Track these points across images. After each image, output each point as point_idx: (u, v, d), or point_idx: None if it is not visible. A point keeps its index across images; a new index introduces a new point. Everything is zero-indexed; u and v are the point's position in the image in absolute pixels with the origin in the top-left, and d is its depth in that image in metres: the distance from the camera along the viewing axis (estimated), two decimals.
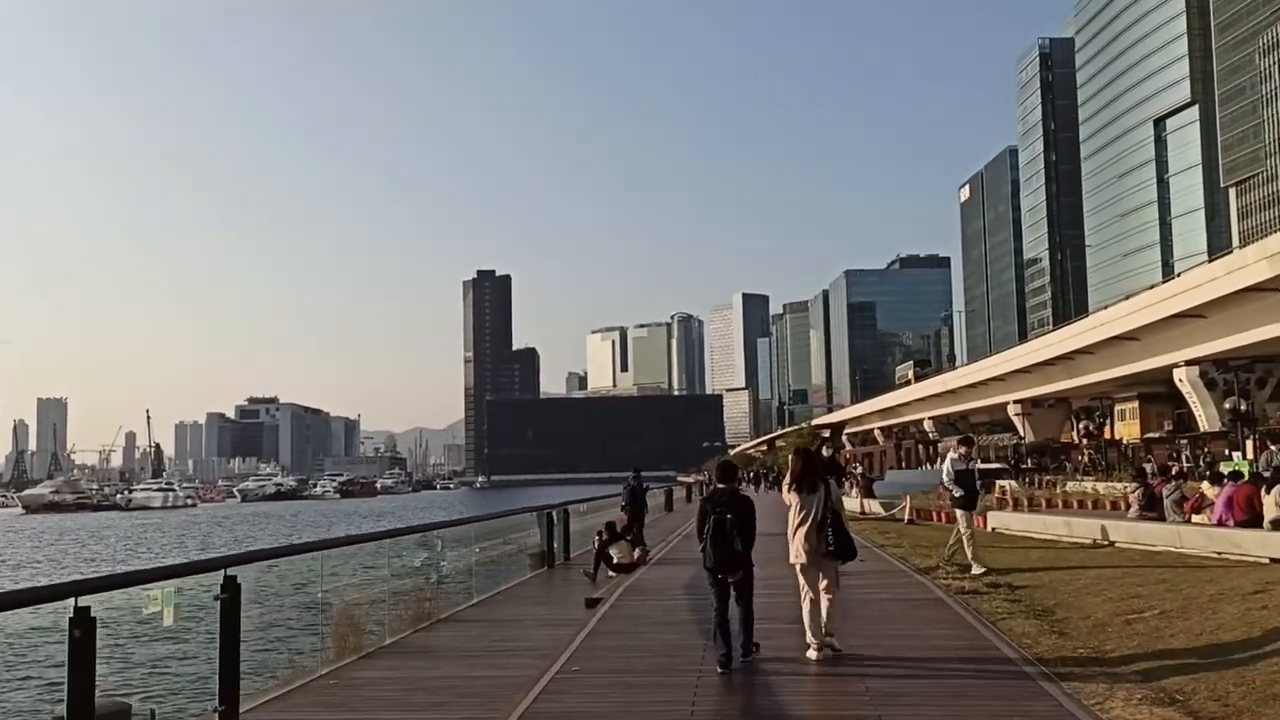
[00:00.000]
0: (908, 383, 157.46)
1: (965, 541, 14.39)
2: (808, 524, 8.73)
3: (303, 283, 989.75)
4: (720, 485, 9.23)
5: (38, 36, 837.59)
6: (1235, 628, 8.18)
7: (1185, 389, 56.48)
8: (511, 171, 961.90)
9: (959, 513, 14.76)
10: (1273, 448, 17.53)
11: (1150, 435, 62.53)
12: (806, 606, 8.76)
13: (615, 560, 15.35)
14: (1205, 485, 19.35)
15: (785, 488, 9.25)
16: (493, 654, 9.37)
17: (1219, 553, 14.04)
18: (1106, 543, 16.43)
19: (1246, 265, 42.91)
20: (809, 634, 8.67)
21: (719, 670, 8.23)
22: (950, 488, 14.92)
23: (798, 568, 8.86)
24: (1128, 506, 27.41)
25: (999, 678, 7.46)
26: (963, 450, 15.53)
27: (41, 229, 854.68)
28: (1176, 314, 50.98)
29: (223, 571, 7.23)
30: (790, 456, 9.76)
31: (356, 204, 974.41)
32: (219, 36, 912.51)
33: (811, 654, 8.58)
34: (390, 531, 12.43)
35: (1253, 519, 14.33)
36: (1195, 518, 16.44)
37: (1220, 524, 14.98)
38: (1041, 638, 8.50)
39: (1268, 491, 14.05)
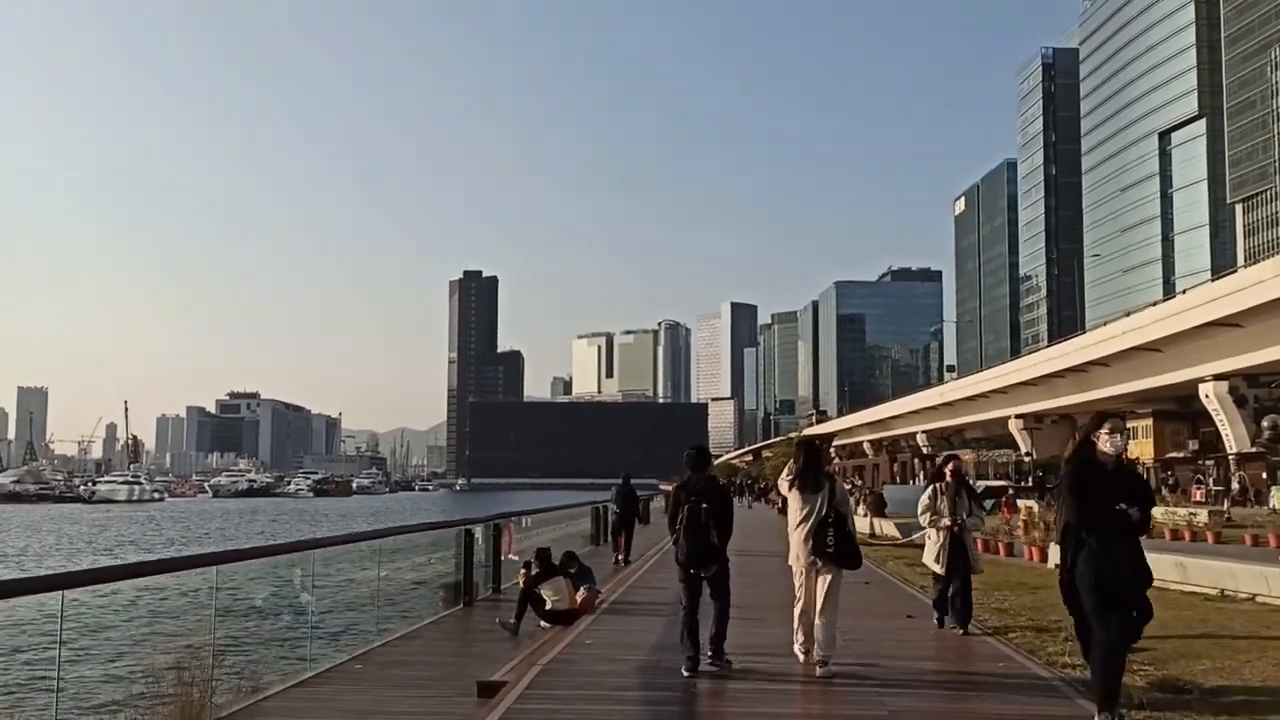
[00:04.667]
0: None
1: None
2: (810, 522, 8.02)
3: (289, 279, 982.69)
4: (692, 473, 8.41)
5: (16, 26, 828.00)
6: None
7: (1212, 405, 51.98)
8: (502, 173, 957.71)
9: None
10: None
11: (1172, 455, 57.96)
12: (799, 609, 8.17)
13: (549, 605, 10.52)
14: None
15: (785, 483, 8.51)
16: None
17: None
18: (1245, 596, 11.71)
19: None
20: (799, 636, 8.09)
21: (684, 674, 7.79)
22: None
23: (795, 570, 8.24)
24: (1193, 536, 22.89)
25: None
26: None
27: (24, 221, 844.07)
28: (1208, 323, 46.61)
29: None
30: (795, 449, 8.83)
31: (345, 202, 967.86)
32: (207, 33, 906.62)
33: (798, 650, 8.09)
34: (172, 562, 7.59)
35: None
36: None
37: None
38: None
39: None
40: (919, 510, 10.66)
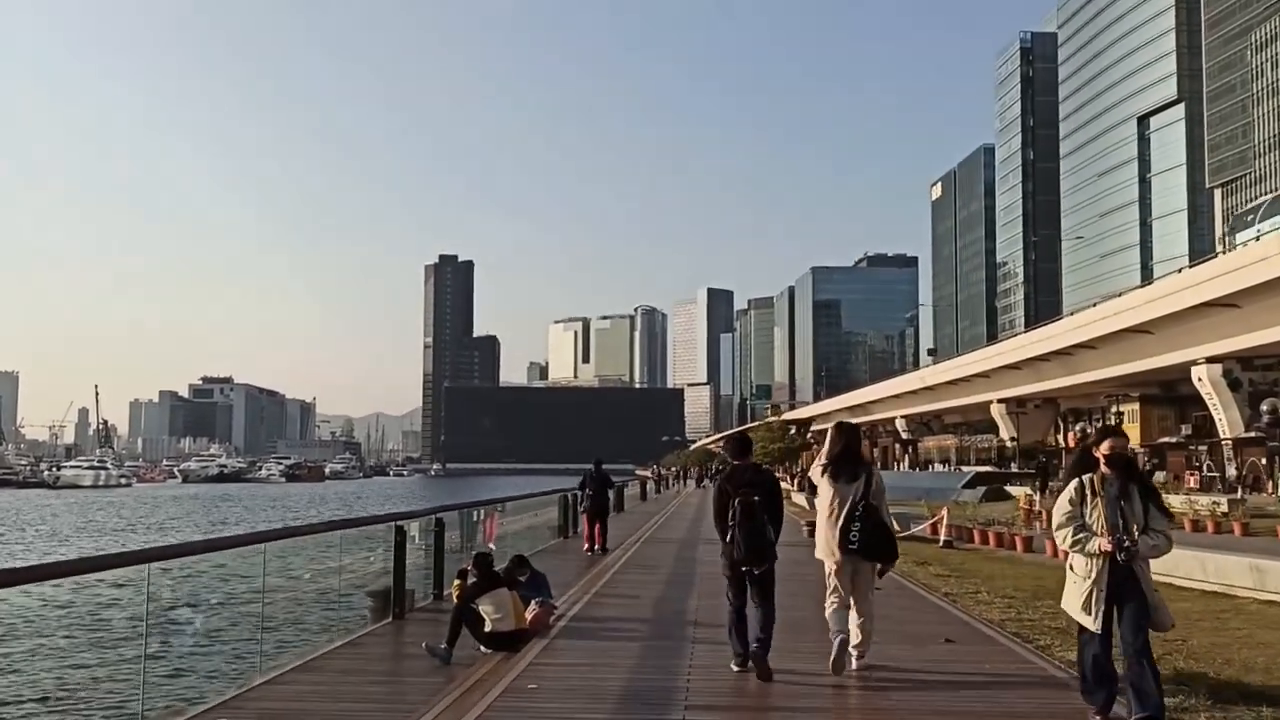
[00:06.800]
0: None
1: None
2: (843, 516, 7.35)
3: (266, 265, 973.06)
4: (738, 461, 7.81)
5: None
6: None
7: (1205, 389, 50.37)
8: (477, 158, 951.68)
9: None
10: None
11: (1164, 440, 56.36)
12: (831, 607, 7.48)
13: (488, 626, 8.31)
14: None
15: (818, 470, 7.70)
16: None
17: None
18: None
19: None
20: (832, 624, 7.38)
21: (734, 668, 7.46)
22: None
23: (826, 566, 7.58)
24: (1216, 528, 20.98)
25: None
26: None
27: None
28: (1204, 303, 44.92)
29: None
30: (829, 432, 7.92)
31: (320, 186, 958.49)
32: (200, 15, 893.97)
33: (834, 639, 7.31)
34: None
35: None
36: None
37: None
38: None
39: None
40: (1054, 523, 6.24)
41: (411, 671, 7.84)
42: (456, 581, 9.08)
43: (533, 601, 9.15)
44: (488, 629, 8.28)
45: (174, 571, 7.64)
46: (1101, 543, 5.84)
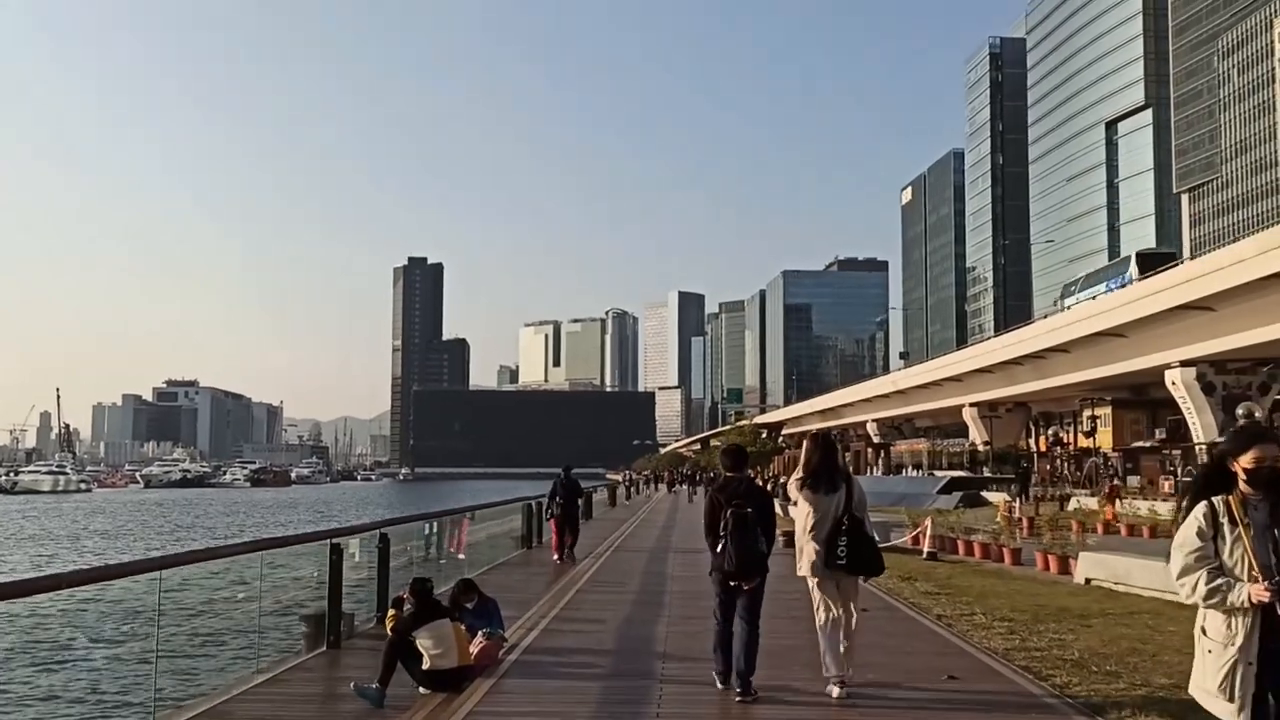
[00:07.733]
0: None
1: None
2: (828, 530, 7.21)
3: (233, 267, 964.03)
4: (730, 474, 7.65)
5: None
6: None
7: (1178, 393, 50.05)
8: (448, 160, 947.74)
9: None
10: None
11: (1138, 445, 56.02)
12: (825, 632, 7.20)
13: (427, 663, 7.24)
14: None
15: (795, 484, 7.55)
16: None
17: None
18: None
19: None
20: (829, 665, 7.12)
21: (719, 686, 7.26)
22: None
23: (810, 584, 7.40)
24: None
25: None
26: None
27: None
28: (1179, 306, 44.53)
29: None
30: (805, 444, 7.67)
31: (289, 188, 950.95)
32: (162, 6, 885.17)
33: (833, 690, 7.03)
34: None
35: None
36: None
37: None
38: None
39: None
40: (1176, 566, 4.07)
41: (336, 716, 6.77)
42: (391, 611, 7.99)
43: (480, 633, 8.08)
44: (426, 666, 7.18)
45: (64, 600, 6.52)
46: (1253, 590, 3.86)
